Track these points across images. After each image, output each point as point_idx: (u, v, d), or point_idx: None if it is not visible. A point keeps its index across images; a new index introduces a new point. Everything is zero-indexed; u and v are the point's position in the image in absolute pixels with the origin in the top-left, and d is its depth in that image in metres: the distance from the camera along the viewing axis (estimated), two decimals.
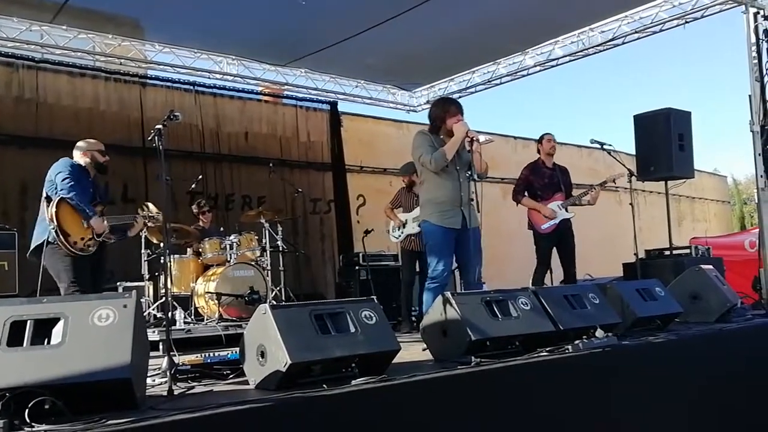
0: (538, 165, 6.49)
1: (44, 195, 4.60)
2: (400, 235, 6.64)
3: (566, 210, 6.26)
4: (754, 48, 6.60)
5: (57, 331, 2.49)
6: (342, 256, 8.65)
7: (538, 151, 6.58)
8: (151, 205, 5.21)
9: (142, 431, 2.17)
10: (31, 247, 4.61)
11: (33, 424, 2.17)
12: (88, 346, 2.45)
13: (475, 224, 4.52)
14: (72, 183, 4.52)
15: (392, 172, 6.83)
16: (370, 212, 9.44)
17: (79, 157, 4.87)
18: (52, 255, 4.45)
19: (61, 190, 4.48)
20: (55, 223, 4.39)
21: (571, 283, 5.99)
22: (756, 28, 6.61)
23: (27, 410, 2.21)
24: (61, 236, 4.39)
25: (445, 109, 4.61)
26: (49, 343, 2.47)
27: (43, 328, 2.50)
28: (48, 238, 4.45)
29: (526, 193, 6.41)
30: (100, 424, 2.15)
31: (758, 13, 6.60)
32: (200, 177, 7.28)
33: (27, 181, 6.98)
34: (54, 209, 4.42)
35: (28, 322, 2.49)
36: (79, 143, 5.00)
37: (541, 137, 6.53)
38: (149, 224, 5.23)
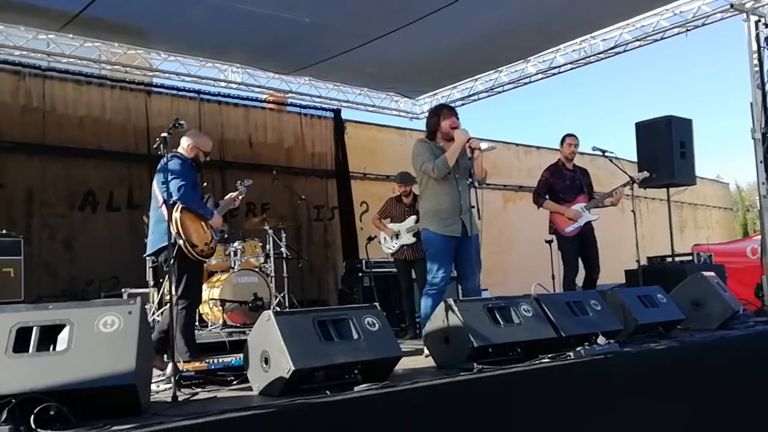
0: (559, 167, 6.35)
1: (158, 196, 4.33)
2: (394, 246, 6.55)
3: (589, 212, 6.16)
4: (755, 56, 6.61)
5: (62, 338, 2.52)
6: (345, 263, 8.67)
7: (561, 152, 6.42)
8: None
9: None
10: (152, 250, 4.40)
11: (38, 430, 2.19)
12: (93, 353, 2.48)
13: (475, 232, 4.53)
14: (188, 187, 4.27)
15: (396, 179, 6.82)
16: (372, 216, 9.47)
17: (185, 150, 4.58)
18: (178, 260, 4.12)
19: (180, 197, 4.21)
20: (183, 236, 4.18)
21: (591, 288, 5.89)
22: (757, 36, 6.62)
23: (32, 416, 2.24)
24: (189, 247, 4.21)
25: (438, 113, 4.64)
26: (54, 349, 2.51)
27: (48, 335, 2.53)
28: (171, 241, 4.04)
29: (547, 196, 6.26)
30: (104, 430, 2.18)
31: (759, 21, 6.62)
32: (205, 184, 7.30)
33: (33, 189, 7.05)
34: (179, 220, 4.20)
35: (34, 328, 2.52)
36: (190, 134, 4.67)
37: (564, 138, 6.33)
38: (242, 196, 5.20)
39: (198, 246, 4.30)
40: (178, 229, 4.18)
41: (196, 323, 6.02)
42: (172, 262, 3.97)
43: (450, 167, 4.46)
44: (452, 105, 9.60)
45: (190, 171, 4.44)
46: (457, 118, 4.62)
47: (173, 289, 4.24)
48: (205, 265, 6.37)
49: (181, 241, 4.18)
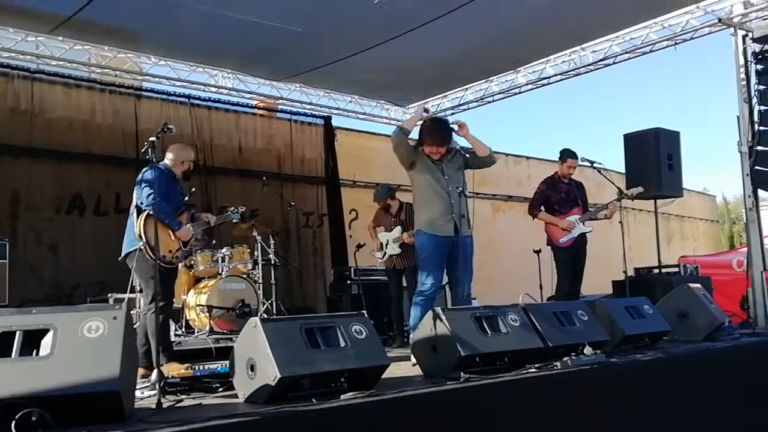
0: (555, 180, 6.43)
1: (134, 202, 4.51)
2: (383, 255, 6.63)
3: (584, 224, 6.24)
4: (742, 70, 6.69)
5: (46, 343, 2.50)
6: (334, 271, 8.65)
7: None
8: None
9: None
10: (123, 254, 4.55)
11: None
12: (76, 358, 2.45)
13: (467, 233, 4.57)
14: (156, 196, 4.39)
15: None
16: (363, 227, 9.43)
17: (172, 164, 4.72)
18: (142, 263, 4.37)
19: (147, 206, 4.36)
20: (143, 239, 4.31)
21: (574, 298, 5.97)
22: (744, 50, 6.70)
23: (14, 422, 2.21)
24: (149, 252, 4.30)
25: (421, 131, 4.74)
26: (37, 354, 2.48)
27: (32, 340, 2.51)
28: (138, 247, 4.38)
29: (542, 208, 6.36)
30: None
31: (747, 35, 6.70)
32: (194, 189, 7.27)
33: (20, 192, 6.98)
34: (142, 224, 4.35)
35: (17, 332, 2.49)
36: (175, 149, 4.80)
37: (565, 159, 6.35)
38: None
39: (159, 250, 4.35)
40: (140, 232, 4.33)
41: (182, 329, 6.00)
42: (134, 265, 4.33)
43: (405, 131, 4.69)
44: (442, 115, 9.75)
45: (166, 181, 4.58)
46: (441, 142, 4.62)
47: (145, 294, 4.40)
48: (192, 271, 6.40)
49: (140, 244, 4.30)
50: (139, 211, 4.40)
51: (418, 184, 4.68)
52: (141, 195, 4.39)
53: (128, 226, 4.55)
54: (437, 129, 4.68)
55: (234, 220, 5.51)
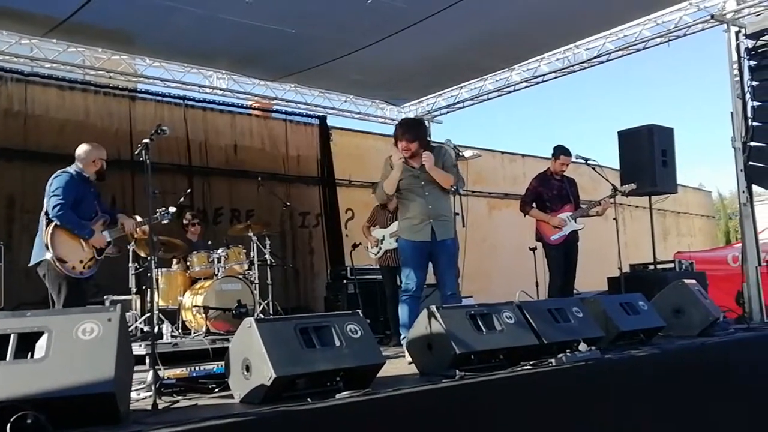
0: (547, 176, 6.44)
1: (44, 209, 4.42)
2: (378, 251, 6.64)
3: (575, 221, 6.24)
4: (735, 66, 6.71)
5: (41, 345, 2.49)
6: (330, 270, 8.65)
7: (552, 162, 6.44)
8: (138, 217, 5.13)
9: None
10: (31, 262, 4.48)
11: None
12: (71, 360, 2.45)
13: (446, 237, 4.56)
14: (64, 206, 4.29)
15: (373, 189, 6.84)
16: (359, 226, 9.41)
17: (83, 165, 4.60)
18: (51, 274, 4.32)
19: (53, 217, 4.28)
20: (51, 251, 4.23)
21: (568, 296, 5.98)
22: (738, 46, 6.72)
23: (9, 425, 2.21)
24: (58, 264, 4.24)
25: (394, 137, 4.62)
26: (32, 356, 2.48)
27: (26, 342, 2.50)
28: (46, 258, 4.30)
29: (534, 205, 6.36)
30: None
31: (740, 31, 6.71)
32: (189, 190, 7.29)
33: (14, 195, 6.97)
34: (50, 235, 4.25)
35: (12, 335, 2.49)
36: (84, 149, 4.65)
37: (558, 155, 6.35)
38: (138, 233, 5.04)
39: (69, 262, 4.30)
40: (47, 242, 4.25)
41: (179, 330, 6.00)
42: (44, 274, 4.28)
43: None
44: (437, 116, 9.76)
45: (77, 187, 4.47)
46: (411, 138, 4.52)
47: (57, 305, 4.30)
48: (188, 272, 6.40)
49: (48, 255, 4.22)
50: (47, 217, 4.29)
51: (399, 189, 4.67)
52: (48, 205, 4.27)
53: (38, 234, 4.44)
54: (409, 125, 4.66)
55: (164, 221, 5.25)
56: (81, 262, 4.39)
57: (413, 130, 4.57)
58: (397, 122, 5.11)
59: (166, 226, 6.73)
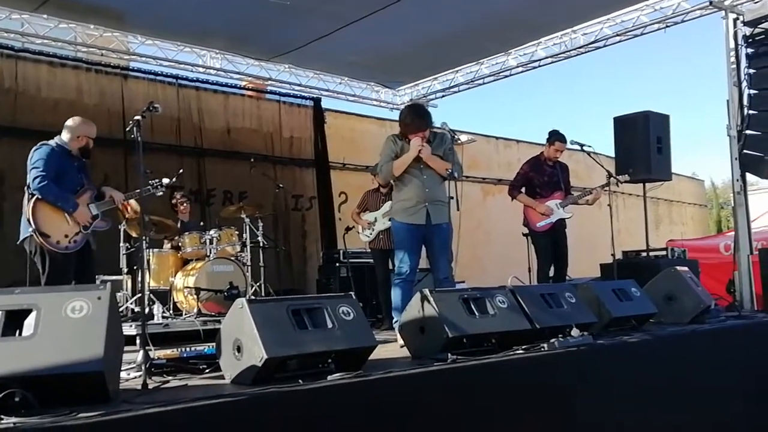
0: (540, 161, 6.35)
1: (26, 184, 4.32)
2: (370, 234, 6.60)
3: (563, 210, 6.22)
4: (732, 53, 6.69)
5: (29, 323, 2.46)
6: (323, 253, 8.63)
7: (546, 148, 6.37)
8: (133, 201, 5.03)
9: (113, 424, 2.15)
10: (19, 239, 4.39)
11: (2, 416, 2.13)
12: (60, 338, 2.42)
13: (441, 221, 4.55)
14: (44, 178, 4.18)
15: (372, 170, 6.78)
16: (352, 210, 9.47)
17: (68, 139, 4.48)
18: (36, 251, 4.23)
19: (35, 189, 4.18)
20: (33, 225, 4.13)
21: (561, 282, 5.96)
22: (735, 33, 6.70)
23: None
24: (40, 238, 4.14)
25: (407, 124, 4.61)
26: (20, 334, 2.45)
27: (14, 320, 2.47)
28: (29, 233, 4.22)
29: (523, 190, 6.31)
30: (70, 417, 2.13)
31: (737, 18, 6.69)
32: (181, 171, 7.20)
33: (4, 172, 6.89)
34: (31, 209, 4.16)
35: (0, 312, 2.46)
36: (74, 120, 4.55)
37: (552, 141, 6.25)
38: (130, 212, 4.98)
39: (52, 237, 4.19)
40: (29, 217, 4.17)
41: (170, 311, 5.97)
42: (30, 250, 4.19)
43: (394, 176, 4.60)
44: (432, 99, 9.69)
45: (58, 160, 4.35)
46: (428, 126, 4.58)
47: (43, 280, 4.22)
48: (180, 253, 6.36)
49: (31, 230, 4.15)
50: (28, 191, 4.19)
51: None
52: (29, 177, 4.17)
53: (23, 211, 4.34)
54: (429, 115, 4.69)
55: (158, 194, 5.12)
56: (66, 236, 4.28)
57: (430, 120, 4.66)
58: (406, 107, 5.03)
59: (157, 208, 6.71)
